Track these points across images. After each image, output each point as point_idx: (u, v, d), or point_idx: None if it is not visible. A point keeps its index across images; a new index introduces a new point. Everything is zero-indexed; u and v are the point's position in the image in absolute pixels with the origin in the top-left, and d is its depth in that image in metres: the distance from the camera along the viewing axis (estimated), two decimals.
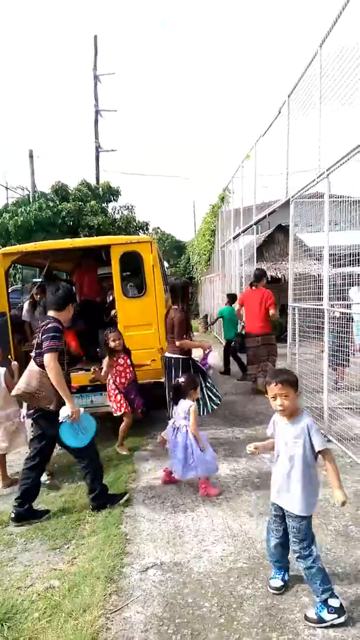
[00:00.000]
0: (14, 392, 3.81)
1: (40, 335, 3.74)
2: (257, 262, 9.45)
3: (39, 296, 6.46)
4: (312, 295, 5.55)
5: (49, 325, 3.73)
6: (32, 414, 3.96)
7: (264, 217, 8.12)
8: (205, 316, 18.44)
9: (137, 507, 3.92)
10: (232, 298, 9.51)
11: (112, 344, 5.06)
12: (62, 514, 3.97)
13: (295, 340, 6.05)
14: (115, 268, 5.48)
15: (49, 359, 3.60)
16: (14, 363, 4.77)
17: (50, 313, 3.91)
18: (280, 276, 12.20)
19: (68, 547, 3.45)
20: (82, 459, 3.95)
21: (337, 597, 2.52)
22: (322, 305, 5.17)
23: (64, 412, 3.64)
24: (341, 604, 2.50)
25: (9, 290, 5.78)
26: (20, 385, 3.74)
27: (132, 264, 5.68)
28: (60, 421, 3.67)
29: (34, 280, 7.03)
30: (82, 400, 5.47)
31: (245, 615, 2.57)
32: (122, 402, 5.14)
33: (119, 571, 3.02)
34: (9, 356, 5.09)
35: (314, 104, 5.20)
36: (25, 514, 3.88)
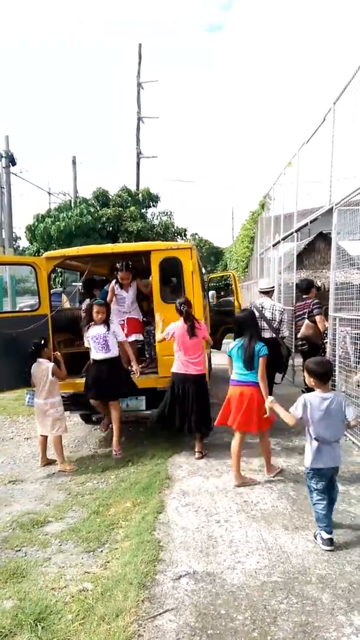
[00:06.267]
0: (301, 335, 6.62)
1: (310, 307, 6.55)
2: (297, 270, 9.32)
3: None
4: (354, 305, 5.41)
5: (315, 301, 6.60)
6: (305, 349, 6.58)
7: (306, 224, 8.01)
8: None
9: (170, 515, 3.90)
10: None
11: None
12: (96, 516, 4.00)
13: (335, 351, 5.91)
14: (155, 273, 5.51)
15: (320, 317, 6.37)
16: (57, 353, 5.48)
17: (305, 295, 6.89)
18: (320, 285, 12.00)
19: (101, 551, 3.47)
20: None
21: None
22: None
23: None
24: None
25: (51, 292, 5.88)
26: (306, 333, 6.55)
27: (172, 270, 5.70)
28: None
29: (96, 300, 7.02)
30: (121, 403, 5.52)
31: (279, 631, 2.52)
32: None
33: (152, 578, 3.01)
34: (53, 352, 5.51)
35: None
36: None
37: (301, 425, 3.46)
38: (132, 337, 6.00)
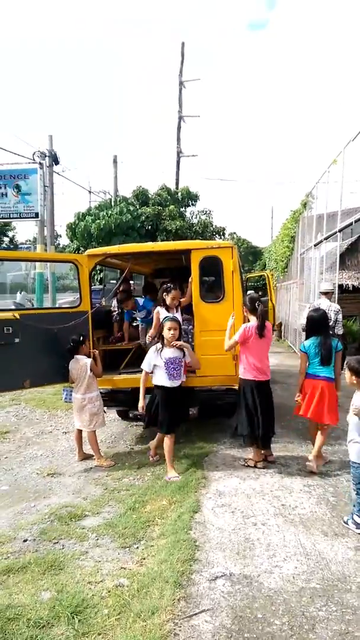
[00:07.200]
0: None
1: None
2: (339, 271, 9.10)
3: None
4: None
5: None
6: None
7: (350, 224, 7.82)
8: (280, 324, 18.04)
9: (206, 514, 3.88)
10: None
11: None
12: (132, 513, 4.01)
13: None
14: (195, 272, 5.48)
15: None
16: (95, 351, 5.44)
17: None
18: None
19: (137, 547, 3.48)
20: None
21: None
22: None
23: None
24: None
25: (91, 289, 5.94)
26: None
27: (212, 269, 5.66)
28: None
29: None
30: None
31: (317, 638, 2.46)
32: None
33: (188, 577, 2.99)
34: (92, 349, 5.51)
35: None
36: None
37: (341, 428, 3.44)
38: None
